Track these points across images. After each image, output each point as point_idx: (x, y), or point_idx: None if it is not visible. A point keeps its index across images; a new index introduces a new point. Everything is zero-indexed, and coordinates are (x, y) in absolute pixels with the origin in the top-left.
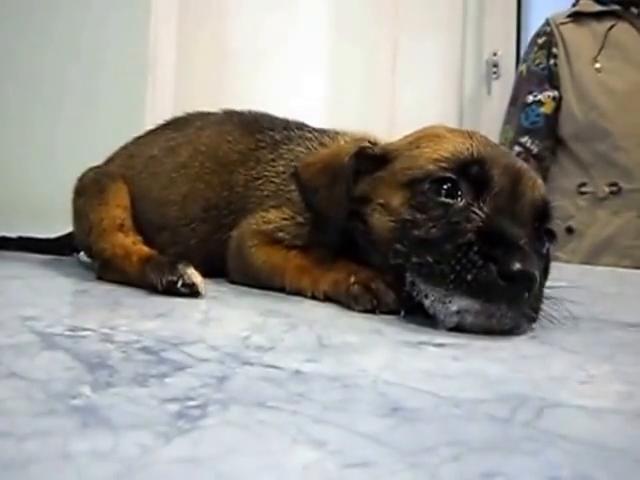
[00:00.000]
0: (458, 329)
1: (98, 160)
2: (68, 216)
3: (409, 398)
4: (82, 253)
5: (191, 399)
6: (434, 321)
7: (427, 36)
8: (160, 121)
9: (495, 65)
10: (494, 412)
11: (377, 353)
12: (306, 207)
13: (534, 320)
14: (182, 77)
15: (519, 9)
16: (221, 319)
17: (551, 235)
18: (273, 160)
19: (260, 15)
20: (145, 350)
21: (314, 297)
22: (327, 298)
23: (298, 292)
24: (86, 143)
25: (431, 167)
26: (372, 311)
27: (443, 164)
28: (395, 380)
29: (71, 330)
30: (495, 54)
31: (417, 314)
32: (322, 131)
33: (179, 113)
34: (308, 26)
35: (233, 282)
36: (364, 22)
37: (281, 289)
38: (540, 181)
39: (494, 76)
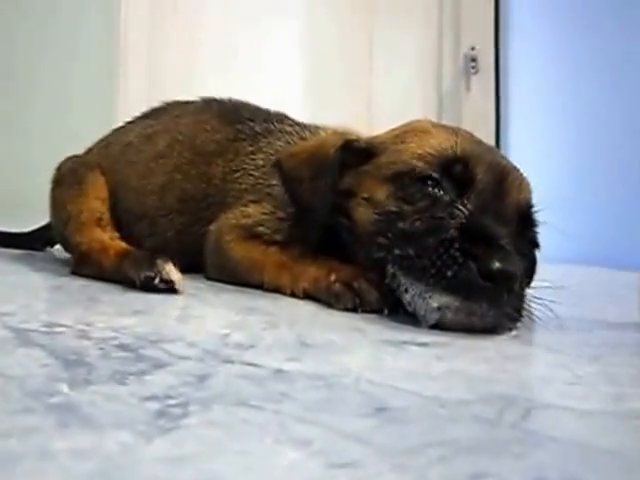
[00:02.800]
0: (439, 327)
1: (65, 154)
2: (24, 210)
3: (393, 398)
4: (57, 247)
5: (171, 397)
6: (416, 319)
7: (403, 30)
8: (132, 115)
9: (473, 59)
10: (481, 413)
11: (359, 352)
12: (289, 199)
13: (517, 320)
14: (153, 69)
15: (497, 2)
16: (200, 316)
17: (534, 236)
18: (253, 153)
19: (233, 5)
20: (123, 347)
21: (293, 294)
22: (307, 296)
23: (277, 289)
24: (55, 138)
25: (415, 163)
26: (354, 310)
27: (427, 159)
28: (379, 380)
29: (47, 326)
30: (473, 48)
31: (400, 313)
32: (303, 125)
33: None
34: (283, 22)
35: (210, 279)
36: (339, 16)
37: (259, 286)
38: (526, 181)
39: (472, 71)
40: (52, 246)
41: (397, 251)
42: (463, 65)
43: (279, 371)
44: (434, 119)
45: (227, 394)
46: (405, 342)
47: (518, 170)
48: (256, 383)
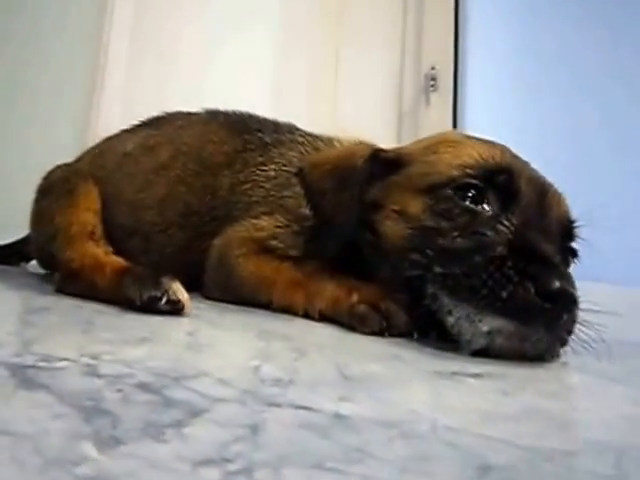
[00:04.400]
0: (484, 353)
1: (38, 168)
2: None
3: (489, 451)
4: (32, 262)
5: (229, 460)
6: (452, 344)
7: (368, 50)
8: (108, 127)
9: (433, 79)
10: (596, 468)
11: (412, 387)
12: (311, 212)
13: (566, 343)
14: (131, 80)
15: (456, 25)
16: (215, 344)
17: (574, 254)
18: (263, 164)
19: (207, 21)
20: (143, 387)
21: (306, 315)
22: (322, 317)
23: (287, 308)
24: (30, 154)
25: (455, 173)
26: (380, 333)
27: (468, 170)
28: (456, 425)
29: (45, 360)
30: (433, 68)
31: (429, 336)
32: (315, 135)
33: (128, 117)
34: (254, 40)
35: (210, 297)
36: (308, 35)
37: (266, 305)
38: (564, 196)
39: (432, 89)
40: (28, 262)
41: (438, 269)
42: (423, 83)
43: (338, 416)
44: (394, 133)
45: (293, 453)
46: (455, 373)
47: (555, 185)
48: (320, 434)
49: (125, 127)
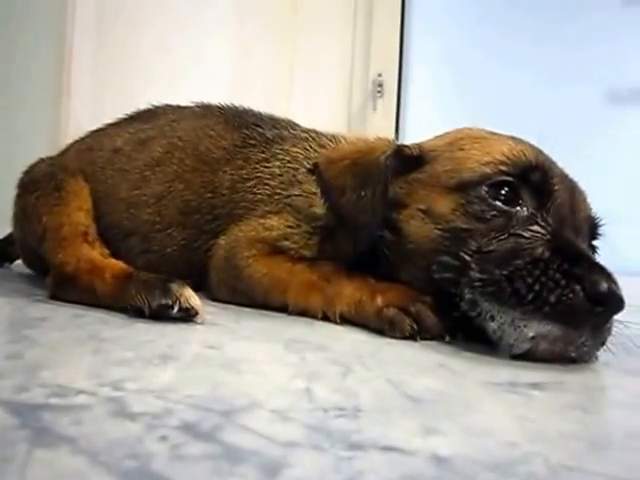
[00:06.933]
0: (524, 357)
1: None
2: None
3: None
4: (16, 262)
5: None
6: (486, 343)
7: (321, 57)
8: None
9: (380, 85)
10: None
11: (485, 407)
12: (328, 210)
13: (605, 343)
14: (97, 80)
15: (402, 36)
16: (245, 360)
17: (594, 251)
18: (266, 160)
19: (169, 33)
20: (192, 432)
21: (325, 317)
22: (343, 320)
23: (304, 312)
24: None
25: (487, 170)
26: (410, 337)
27: (501, 167)
28: (570, 461)
29: (58, 395)
30: (380, 75)
31: (458, 338)
32: (317, 132)
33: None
34: (212, 47)
35: (216, 299)
36: (263, 41)
37: (279, 308)
38: (586, 194)
39: (379, 95)
40: (11, 262)
41: (476, 274)
42: (371, 89)
43: (439, 459)
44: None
45: None
46: (513, 384)
47: (577, 182)
48: None
49: (111, 121)
